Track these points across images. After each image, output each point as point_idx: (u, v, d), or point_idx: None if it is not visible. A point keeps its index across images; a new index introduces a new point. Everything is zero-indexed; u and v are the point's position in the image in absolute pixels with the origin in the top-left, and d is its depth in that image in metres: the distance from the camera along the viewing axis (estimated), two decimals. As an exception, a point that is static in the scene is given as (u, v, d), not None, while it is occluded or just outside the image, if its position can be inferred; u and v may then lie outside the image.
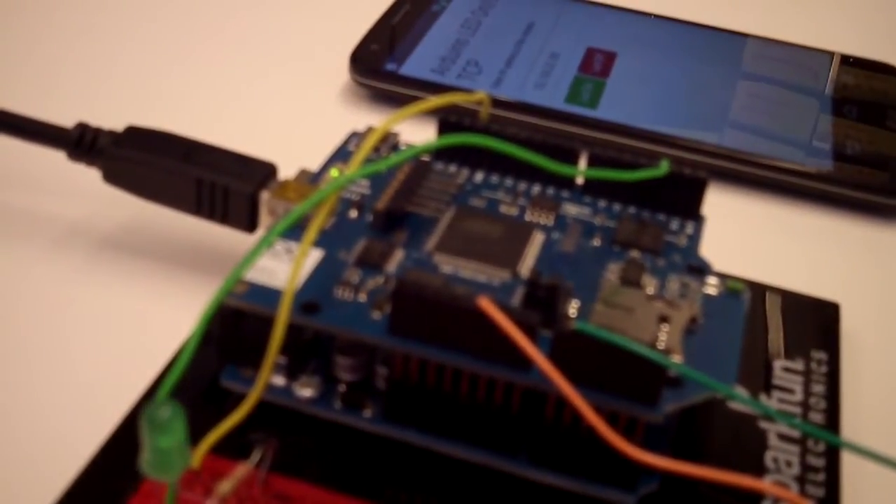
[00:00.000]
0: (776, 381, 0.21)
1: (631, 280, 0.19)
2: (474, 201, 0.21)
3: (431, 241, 0.20)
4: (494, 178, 0.22)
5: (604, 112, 0.29)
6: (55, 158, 0.23)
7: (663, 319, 0.18)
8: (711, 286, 0.19)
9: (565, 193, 0.22)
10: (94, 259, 0.24)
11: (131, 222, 0.25)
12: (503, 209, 0.21)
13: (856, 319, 0.23)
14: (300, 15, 0.34)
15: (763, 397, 0.21)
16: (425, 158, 0.22)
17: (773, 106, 0.30)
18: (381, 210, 0.20)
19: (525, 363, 0.17)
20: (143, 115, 0.24)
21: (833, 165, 0.28)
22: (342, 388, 0.19)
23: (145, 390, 0.20)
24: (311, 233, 0.17)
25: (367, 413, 0.19)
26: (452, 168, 0.22)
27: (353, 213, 0.20)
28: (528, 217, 0.21)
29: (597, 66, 0.31)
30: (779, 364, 0.21)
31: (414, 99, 0.30)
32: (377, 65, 0.30)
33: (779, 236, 0.27)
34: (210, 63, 0.32)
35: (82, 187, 0.25)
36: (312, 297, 0.18)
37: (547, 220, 0.21)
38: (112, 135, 0.23)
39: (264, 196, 0.21)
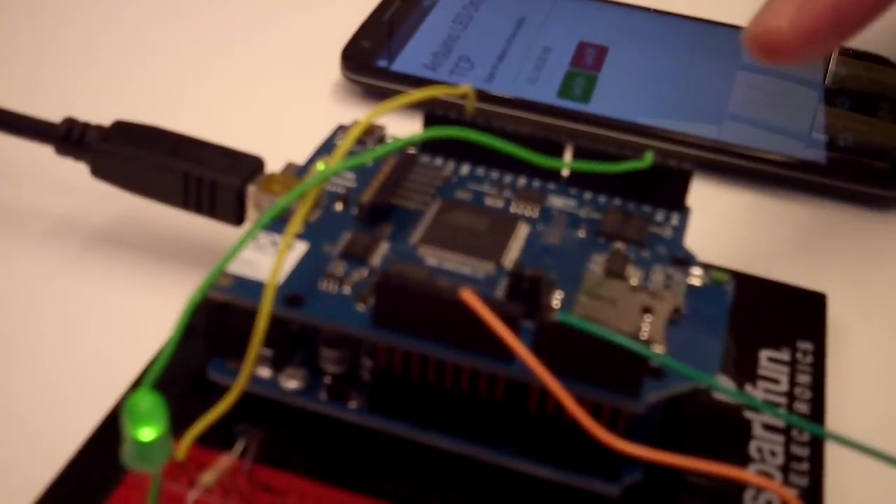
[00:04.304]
0: (762, 372, 0.21)
1: (615, 271, 0.19)
2: (460, 194, 0.21)
3: (416, 234, 0.20)
4: (480, 171, 0.22)
5: (596, 106, 0.29)
6: (43, 153, 0.23)
7: (646, 310, 0.18)
8: (696, 277, 0.19)
9: (551, 186, 0.22)
10: (82, 253, 0.24)
11: (120, 216, 0.25)
12: (488, 202, 0.21)
13: (844, 310, 0.24)
14: (292, 11, 0.34)
15: (749, 387, 0.21)
16: (411, 152, 0.22)
17: (771, 98, 0.30)
18: (367, 203, 0.20)
19: (508, 354, 0.17)
20: (133, 111, 0.24)
21: (829, 156, 0.28)
22: (328, 379, 0.19)
23: (132, 383, 0.20)
24: (294, 225, 0.17)
25: (353, 404, 0.19)
26: (438, 161, 0.22)
27: (339, 207, 0.20)
28: (513, 209, 0.21)
29: (589, 60, 0.31)
30: (765, 354, 0.21)
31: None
32: (368, 61, 0.30)
33: (772, 227, 0.27)
34: (201, 58, 0.32)
35: (71, 182, 0.25)
36: (297, 289, 0.18)
37: (532, 212, 0.21)
38: (100, 129, 0.23)
39: (251, 190, 0.21)
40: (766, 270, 0.24)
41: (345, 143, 0.18)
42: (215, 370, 0.19)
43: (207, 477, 0.16)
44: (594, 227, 0.21)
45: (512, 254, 0.20)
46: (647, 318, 0.18)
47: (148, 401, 0.14)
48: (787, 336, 0.22)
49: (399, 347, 0.18)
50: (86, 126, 0.23)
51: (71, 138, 0.23)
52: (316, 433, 0.19)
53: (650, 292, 0.19)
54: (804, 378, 0.21)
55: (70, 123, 0.23)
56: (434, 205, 0.21)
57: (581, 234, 0.20)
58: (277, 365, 0.19)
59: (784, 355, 0.21)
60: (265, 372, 0.19)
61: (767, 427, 0.20)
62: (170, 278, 0.23)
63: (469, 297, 0.16)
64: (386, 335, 0.17)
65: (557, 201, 0.21)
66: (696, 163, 0.28)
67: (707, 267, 0.20)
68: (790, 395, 0.20)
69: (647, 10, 0.34)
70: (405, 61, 0.30)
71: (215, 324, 0.19)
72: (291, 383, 0.19)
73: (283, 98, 0.30)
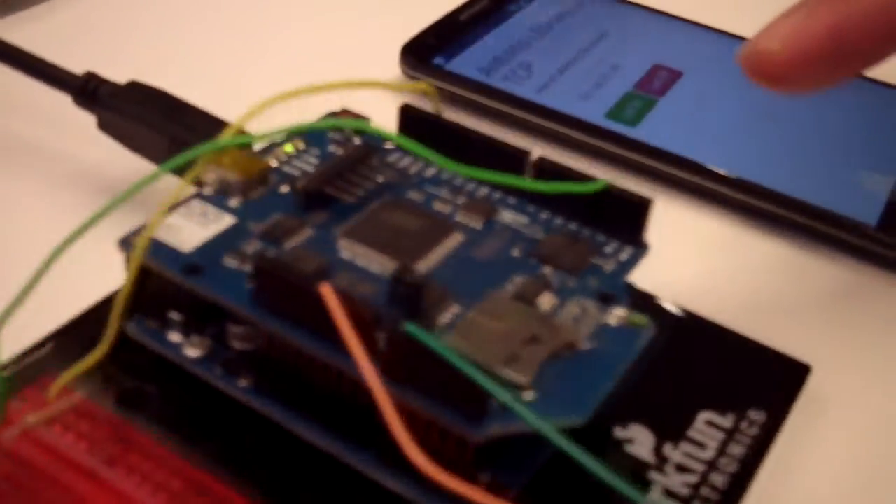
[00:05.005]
0: (691, 433, 0.19)
1: (525, 296, 0.18)
2: (412, 194, 0.21)
3: (343, 226, 0.20)
4: (446, 174, 0.21)
5: (642, 132, 0.28)
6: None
7: (534, 340, 0.17)
8: (614, 316, 0.18)
9: (511, 199, 0.21)
10: (90, 204, 0.25)
11: (131, 173, 0.26)
12: (437, 206, 0.20)
13: (830, 388, 0.21)
14: (373, 3, 0.35)
15: (668, 447, 0.19)
16: (389, 146, 0.22)
17: (832, 144, 0.27)
18: (300, 188, 0.20)
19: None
20: (187, 92, 0.25)
21: (884, 216, 0.25)
22: (229, 354, 0.19)
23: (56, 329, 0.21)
24: (179, 190, 0.18)
25: (242, 383, 0.19)
26: (408, 159, 0.22)
27: (284, 189, 0.20)
28: (457, 217, 0.20)
29: (657, 83, 0.30)
30: (704, 416, 0.19)
31: (456, 96, 0.29)
32: (426, 58, 0.30)
33: (794, 283, 0.24)
34: (268, 39, 0.32)
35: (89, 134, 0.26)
36: (200, 260, 0.18)
37: (475, 222, 0.20)
38: (113, 86, 0.24)
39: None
40: (761, 328, 0.22)
41: (237, 123, 0.19)
42: (133, 328, 0.20)
43: (30, 418, 0.16)
44: (533, 248, 0.19)
45: (431, 260, 0.19)
46: (531, 349, 0.17)
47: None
48: (739, 402, 0.20)
49: (276, 332, 0.17)
50: (102, 81, 0.24)
51: (86, 91, 0.24)
52: (209, 407, 0.19)
53: (550, 323, 0.17)
54: (737, 450, 0.19)
55: (89, 77, 0.24)
56: (378, 201, 0.20)
57: (516, 252, 0.19)
58: (186, 332, 0.19)
59: (726, 422, 0.19)
60: (175, 336, 0.19)
61: (669, 492, 0.18)
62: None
63: (326, 291, 0.16)
64: (259, 315, 0.17)
65: (508, 216, 0.20)
66: (734, 204, 0.26)
67: (656, 306, 0.18)
68: (710, 465, 0.18)
69: (742, 38, 0.32)
70: (463, 62, 0.30)
71: (136, 284, 0.19)
72: (193, 351, 0.19)
73: (339, 87, 0.30)
